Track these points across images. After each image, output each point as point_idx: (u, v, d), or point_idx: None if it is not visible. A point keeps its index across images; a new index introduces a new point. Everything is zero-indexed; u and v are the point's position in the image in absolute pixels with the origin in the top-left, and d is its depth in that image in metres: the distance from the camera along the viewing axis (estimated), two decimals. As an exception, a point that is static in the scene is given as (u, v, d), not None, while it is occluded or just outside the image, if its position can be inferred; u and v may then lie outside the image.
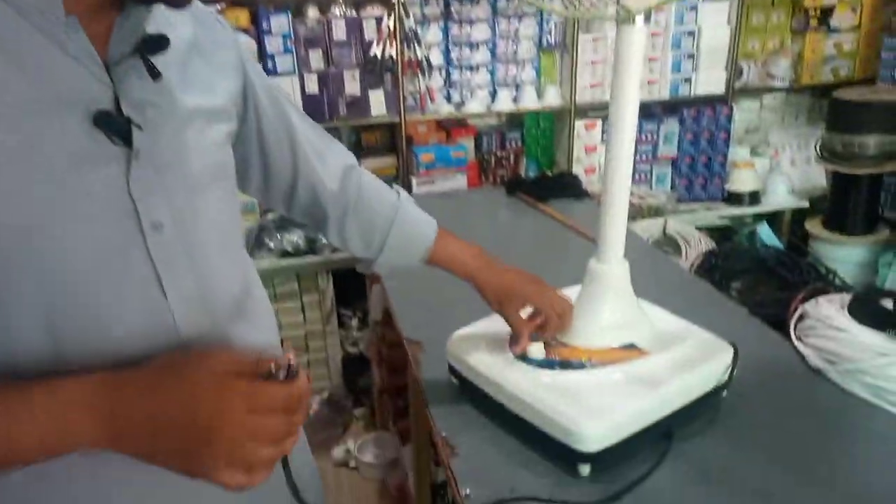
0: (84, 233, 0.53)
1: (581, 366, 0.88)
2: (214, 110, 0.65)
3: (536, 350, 0.91)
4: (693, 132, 2.72)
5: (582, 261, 0.94)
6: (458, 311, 1.04)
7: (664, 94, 2.65)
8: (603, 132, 2.69)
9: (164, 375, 0.51)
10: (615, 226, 0.91)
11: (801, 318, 1.13)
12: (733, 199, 2.77)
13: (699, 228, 2.76)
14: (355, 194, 0.87)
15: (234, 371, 0.51)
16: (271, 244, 2.20)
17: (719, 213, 2.77)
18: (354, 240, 0.89)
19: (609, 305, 0.93)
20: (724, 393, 0.96)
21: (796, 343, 1.08)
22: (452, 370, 1.00)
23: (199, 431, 0.49)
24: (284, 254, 2.22)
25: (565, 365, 0.89)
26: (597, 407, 0.82)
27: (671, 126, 2.70)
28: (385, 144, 2.57)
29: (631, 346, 0.92)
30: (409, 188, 2.46)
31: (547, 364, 0.89)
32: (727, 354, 0.94)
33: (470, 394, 0.97)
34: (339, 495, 2.06)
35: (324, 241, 2.21)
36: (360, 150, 2.56)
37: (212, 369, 0.51)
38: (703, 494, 0.79)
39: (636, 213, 2.11)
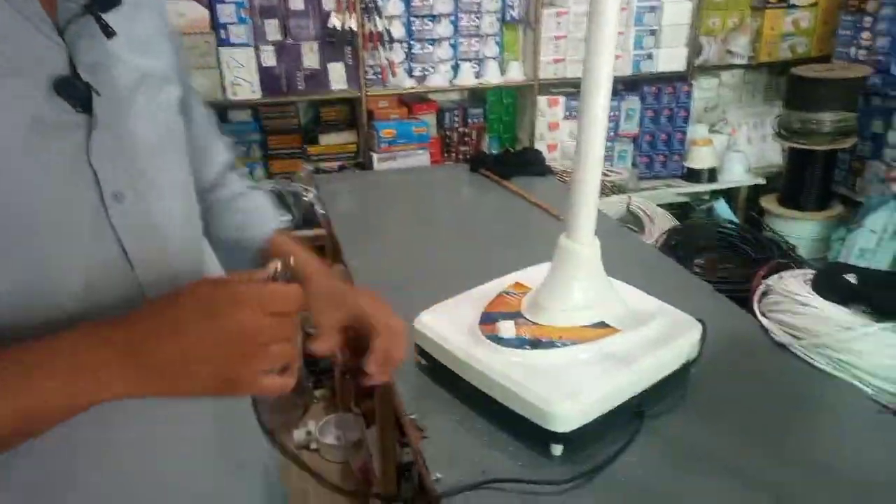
0: (46, 206, 0.51)
1: (552, 345, 0.87)
2: (164, 74, 0.62)
3: (506, 329, 0.89)
4: (654, 109, 2.74)
5: (547, 237, 0.92)
6: (422, 293, 1.01)
7: (626, 70, 2.65)
8: (566, 109, 2.68)
9: (175, 306, 0.49)
10: (587, 203, 0.89)
11: (764, 293, 1.14)
12: (692, 176, 2.81)
13: (660, 205, 2.80)
14: (227, 196, 0.82)
15: (238, 282, 0.50)
16: (227, 223, 2.13)
17: (678, 190, 2.81)
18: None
19: (580, 284, 0.92)
20: (693, 369, 0.96)
21: (761, 318, 1.08)
22: (419, 350, 0.97)
23: (231, 350, 0.48)
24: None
25: (536, 344, 0.87)
26: (569, 386, 0.80)
27: (632, 103, 2.71)
28: (345, 120, 2.51)
29: (602, 325, 0.91)
30: (370, 165, 2.41)
31: (517, 343, 0.87)
32: (696, 331, 0.93)
33: (438, 375, 0.94)
34: (302, 479, 2.02)
35: (283, 219, 2.15)
36: (318, 126, 2.49)
37: (217, 287, 0.50)
38: (674, 471, 0.79)
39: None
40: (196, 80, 2.11)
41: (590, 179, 0.88)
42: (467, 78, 2.48)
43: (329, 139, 2.42)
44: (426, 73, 2.44)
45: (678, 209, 2.86)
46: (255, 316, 0.49)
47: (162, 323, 0.49)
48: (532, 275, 1.02)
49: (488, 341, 0.88)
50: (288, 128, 2.40)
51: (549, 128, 2.65)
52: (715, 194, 2.88)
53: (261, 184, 2.27)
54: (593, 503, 0.74)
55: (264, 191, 0.89)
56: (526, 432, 0.82)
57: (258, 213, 0.84)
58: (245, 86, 2.15)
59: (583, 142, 0.86)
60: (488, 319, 0.93)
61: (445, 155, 2.61)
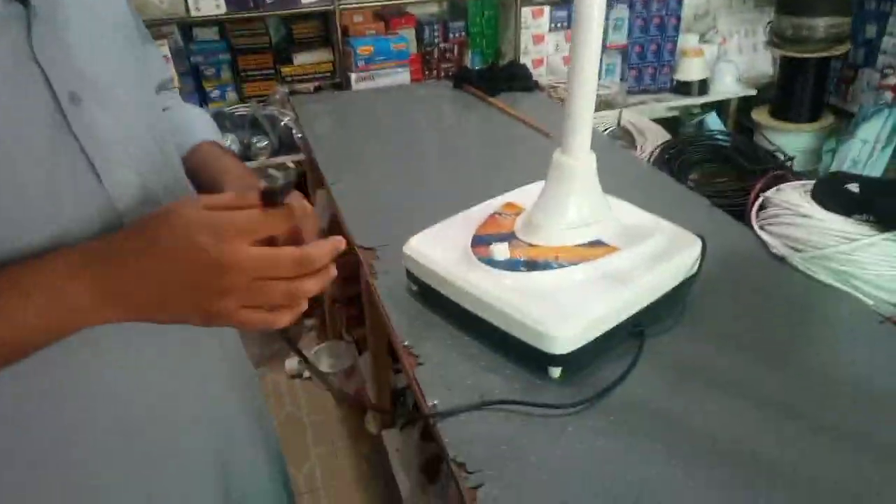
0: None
1: (547, 265, 0.83)
2: None
3: (500, 251, 0.85)
4: (643, 18, 2.62)
5: (537, 155, 0.87)
6: (409, 216, 0.97)
7: (614, -24, 2.51)
8: (552, 20, 2.56)
9: (151, 229, 0.46)
10: (582, 115, 0.83)
11: (762, 206, 1.10)
12: (682, 88, 2.73)
13: (651, 120, 2.73)
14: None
15: (222, 206, 0.46)
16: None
17: (668, 104, 2.73)
18: None
19: (575, 201, 0.87)
20: (692, 286, 0.93)
21: (759, 232, 1.05)
22: (410, 276, 0.93)
23: (207, 279, 0.45)
24: (217, 160, 2.07)
25: (531, 265, 0.83)
26: (566, 307, 0.77)
27: (621, 12, 2.59)
28: (319, 37, 2.37)
29: (598, 243, 0.87)
30: (347, 85, 2.30)
31: (512, 265, 0.83)
32: (695, 246, 0.90)
33: (430, 300, 0.91)
34: (296, 408, 2.04)
35: (259, 145, 2.06)
36: (291, 45, 2.36)
37: (199, 210, 0.46)
38: (677, 391, 0.77)
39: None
40: (156, -4, 1.97)
41: (585, 88, 0.82)
42: (447, -13, 2.34)
43: (303, 58, 2.29)
44: (403, -17, 2.30)
45: (667, 123, 2.80)
46: (236, 249, 0.45)
47: (139, 249, 0.46)
48: (524, 194, 0.97)
49: (482, 264, 0.84)
50: (258, 46, 2.26)
51: (534, 41, 2.54)
52: (706, 107, 2.81)
53: (234, 108, 2.17)
54: (595, 425, 0.72)
55: (203, 109, 0.82)
56: (523, 356, 0.79)
57: (186, 124, 0.76)
58: (209, 0, 2.01)
59: (578, 45, 0.79)
60: (481, 242, 0.89)
61: (426, 73, 2.50)
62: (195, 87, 2.25)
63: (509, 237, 0.89)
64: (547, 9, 2.51)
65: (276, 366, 2.13)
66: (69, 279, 0.45)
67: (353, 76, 2.24)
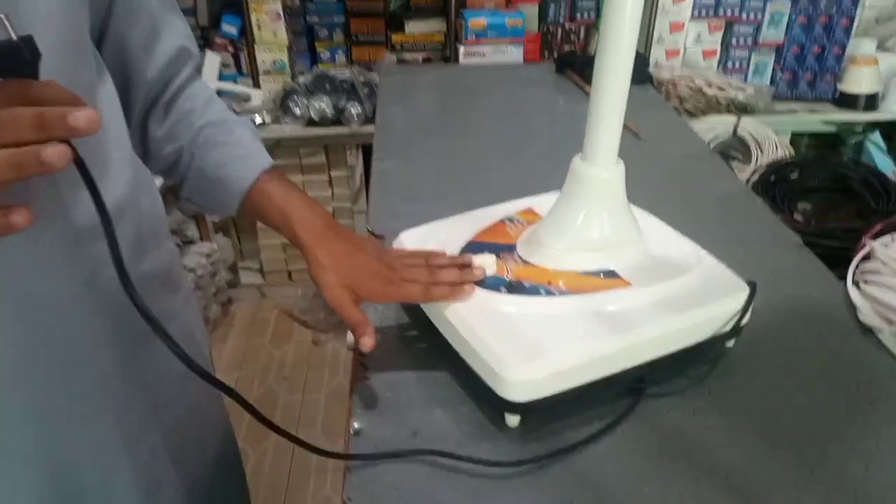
0: None
1: (535, 291, 0.69)
2: None
3: (486, 264, 0.72)
4: (808, 15, 2.26)
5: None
6: (444, 210, 0.85)
7: (778, -37, 2.18)
8: (696, 7, 2.28)
9: None
10: (608, 115, 0.68)
11: (866, 257, 0.87)
12: (845, 101, 2.33)
13: (799, 135, 2.37)
14: (177, 87, 0.69)
15: None
16: (297, 110, 2.03)
17: (824, 117, 2.35)
18: (159, 148, 0.70)
19: (589, 218, 0.72)
20: (731, 343, 0.74)
21: (850, 289, 0.83)
22: (396, 275, 0.83)
23: None
24: (310, 122, 2.06)
25: (514, 287, 0.69)
26: (535, 345, 0.63)
27: (781, 5, 2.25)
28: (436, 6, 2.28)
29: (610, 274, 0.71)
30: (455, 58, 2.19)
31: (492, 284, 0.70)
32: (739, 296, 0.71)
33: (410, 308, 0.80)
34: (348, 380, 2.02)
35: (353, 111, 2.02)
36: (407, 11, 2.29)
37: None
38: (654, 470, 0.61)
39: (709, 107, 1.78)
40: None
41: (612, 83, 0.66)
42: (577, -37, 2.15)
43: (415, 27, 2.22)
44: (530, -46, 2.14)
45: (822, 140, 2.42)
46: None
47: None
48: (550, 201, 0.82)
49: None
50: (373, 11, 2.22)
51: (671, 29, 2.27)
52: (873, 127, 2.39)
53: (339, 71, 2.14)
54: (534, 495, 0.58)
55: (245, 120, 0.74)
56: (482, 394, 0.66)
57: (241, 147, 0.70)
58: (325, -40, 1.98)
59: (606, 32, 0.64)
60: (471, 249, 0.76)
61: (546, 54, 2.33)
62: (308, 46, 2.26)
63: (507, 249, 0.76)
64: (691, -6, 2.24)
65: (340, 336, 2.12)
66: None
67: (462, 49, 2.13)
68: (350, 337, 0.67)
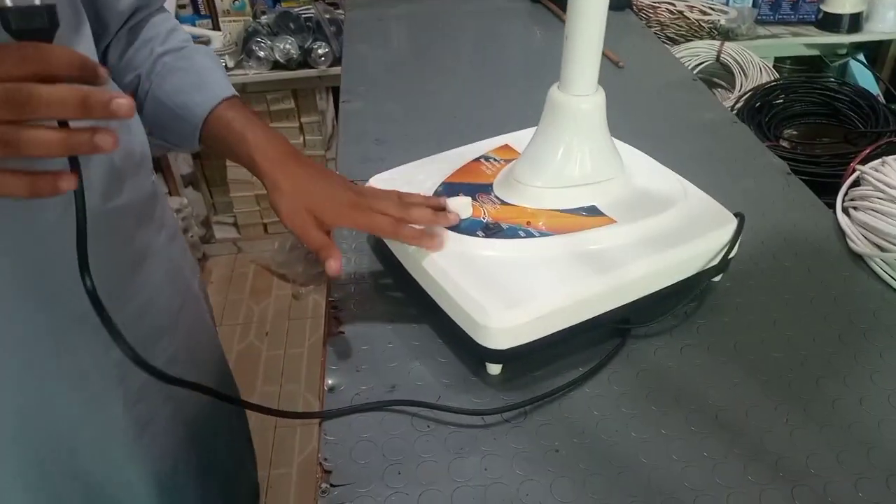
0: None
1: (513, 233, 0.65)
2: None
3: (460, 207, 0.67)
4: (790, -69, 2.16)
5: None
6: (416, 151, 0.80)
7: None
8: (674, -72, 2.16)
9: None
10: (586, 41, 0.62)
11: (856, 182, 0.84)
12: (828, 22, 2.26)
13: (782, 59, 2.30)
14: (140, 18, 0.68)
15: None
16: (261, 53, 1.93)
17: (807, 40, 2.29)
18: (118, 77, 0.68)
19: (568, 152, 0.67)
20: (718, 278, 0.72)
21: (839, 216, 0.80)
22: (368, 223, 0.78)
23: None
24: (276, 65, 1.96)
25: (491, 230, 0.65)
26: (517, 289, 0.60)
27: (763, -78, 2.15)
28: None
29: (592, 211, 0.67)
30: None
31: (468, 227, 0.66)
32: (726, 229, 0.68)
33: (381, 256, 0.76)
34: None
35: (319, 52, 1.93)
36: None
37: None
38: (642, 414, 0.58)
39: (691, 32, 1.71)
40: None
41: (589, 5, 0.60)
42: None
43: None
44: None
45: (805, 65, 2.36)
46: None
47: None
48: (527, 138, 0.78)
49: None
50: (336, -57, 2.09)
51: (650, -48, 2.16)
52: (856, 48, 2.33)
53: (303, 9, 2.03)
54: (520, 447, 0.56)
55: (206, 48, 0.72)
56: (461, 343, 0.63)
57: (201, 73, 0.68)
58: None
59: (581, -59, 0.58)
60: (445, 191, 0.72)
61: (520, -16, 2.22)
62: (270, -18, 2.14)
63: (483, 189, 0.71)
64: (670, -86, 2.12)
65: (321, 289, 2.08)
66: None
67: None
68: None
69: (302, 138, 2.15)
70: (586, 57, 0.63)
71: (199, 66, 0.68)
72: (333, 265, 0.60)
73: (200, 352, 0.79)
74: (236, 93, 0.69)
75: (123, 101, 0.40)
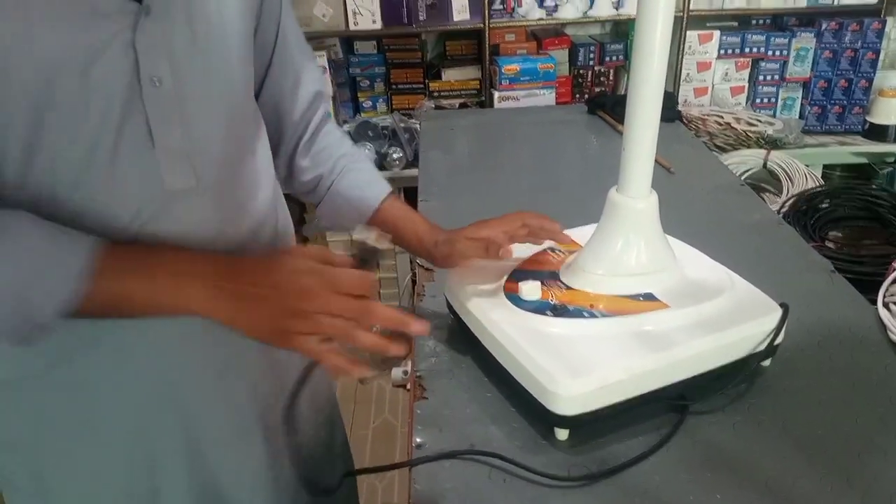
0: (84, 85, 0.54)
1: (578, 313, 0.75)
2: None
3: (529, 290, 0.78)
4: (832, 50, 2.32)
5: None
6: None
7: (801, 2, 2.25)
8: (721, 46, 2.35)
9: (267, 261, 0.59)
10: (640, 149, 0.74)
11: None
12: (874, 132, 2.36)
13: (832, 166, 2.39)
14: (315, 125, 0.85)
15: (323, 259, 0.58)
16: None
17: (854, 149, 2.38)
18: (302, 175, 0.86)
19: (626, 246, 0.78)
20: (767, 362, 0.79)
21: (881, 310, 0.87)
22: (448, 304, 0.89)
23: (287, 305, 0.56)
24: (353, 166, 2.17)
25: (559, 311, 0.75)
26: (582, 361, 0.69)
27: (806, 41, 2.31)
28: (471, 55, 2.40)
29: (648, 297, 0.77)
30: (490, 102, 2.30)
31: (537, 307, 0.76)
32: (772, 316, 0.76)
33: (460, 333, 0.86)
34: (393, 416, 2.06)
35: (394, 156, 2.13)
36: (444, 60, 2.41)
37: (305, 257, 0.58)
38: (698, 481, 0.65)
39: (739, 142, 1.83)
40: (320, 8, 2.11)
41: (644, 116, 0.73)
42: (604, 8, 2.24)
43: (452, 74, 2.33)
44: (557, 2, 2.24)
45: (855, 172, 2.44)
46: (318, 293, 0.56)
47: (254, 277, 0.58)
48: (588, 233, 0.89)
49: (507, 302, 0.78)
50: (411, 61, 2.34)
51: (698, 68, 2.34)
52: (905, 157, 2.40)
53: (380, 119, 2.26)
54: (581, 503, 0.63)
55: (366, 152, 0.95)
56: (531, 410, 0.72)
57: (370, 173, 0.88)
58: (366, 15, 2.12)
59: (637, 75, 0.71)
60: (517, 277, 0.82)
61: (577, 96, 2.42)
62: (351, 96, 2.39)
63: (550, 276, 0.82)
64: (717, 33, 2.31)
65: (385, 374, 2.18)
66: (190, 278, 0.57)
67: (497, 95, 2.23)
68: (395, 373, 0.75)
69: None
70: (641, 164, 0.75)
71: (367, 167, 0.88)
72: (419, 326, 0.61)
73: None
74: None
75: (419, 327, 0.60)
